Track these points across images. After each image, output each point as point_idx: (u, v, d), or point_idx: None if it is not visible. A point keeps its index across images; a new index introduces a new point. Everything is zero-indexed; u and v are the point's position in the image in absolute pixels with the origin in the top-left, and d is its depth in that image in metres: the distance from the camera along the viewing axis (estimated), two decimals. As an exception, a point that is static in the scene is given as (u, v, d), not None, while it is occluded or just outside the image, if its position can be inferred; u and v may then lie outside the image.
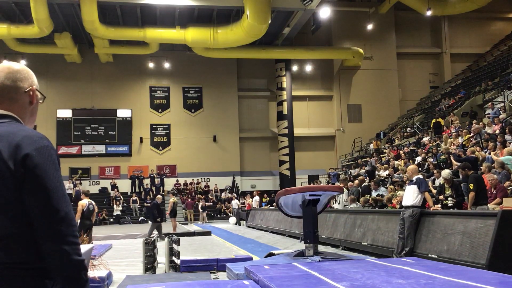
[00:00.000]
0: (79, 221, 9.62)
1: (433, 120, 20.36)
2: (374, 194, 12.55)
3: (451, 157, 12.70)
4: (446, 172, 9.36)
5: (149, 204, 26.19)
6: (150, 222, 24.28)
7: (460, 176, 9.57)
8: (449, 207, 8.73)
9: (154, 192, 27.04)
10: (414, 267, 5.69)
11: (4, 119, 1.59)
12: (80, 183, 26.65)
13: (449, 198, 8.87)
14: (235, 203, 25.03)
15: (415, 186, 8.07)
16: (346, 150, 29.19)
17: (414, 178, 8.21)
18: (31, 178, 1.47)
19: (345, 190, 13.37)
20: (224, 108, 29.28)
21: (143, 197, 26.43)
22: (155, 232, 14.16)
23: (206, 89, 29.36)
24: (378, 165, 18.36)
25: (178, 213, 20.41)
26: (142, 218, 25.13)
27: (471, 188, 8.07)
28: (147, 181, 27.64)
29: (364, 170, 19.49)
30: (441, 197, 9.11)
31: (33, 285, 1.46)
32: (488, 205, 8.19)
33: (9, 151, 1.48)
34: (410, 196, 8.10)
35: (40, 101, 1.75)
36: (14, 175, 1.46)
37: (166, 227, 18.24)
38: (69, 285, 1.45)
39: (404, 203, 8.25)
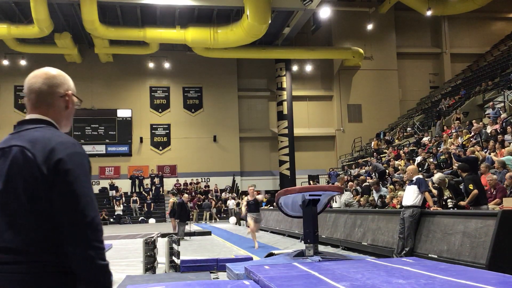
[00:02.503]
0: None
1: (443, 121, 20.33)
2: (375, 194, 12.50)
3: (452, 157, 12.72)
4: (435, 178, 9.32)
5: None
6: (151, 222, 24.47)
7: (460, 177, 9.58)
8: (449, 208, 8.73)
9: (154, 192, 27.05)
10: (414, 267, 5.69)
11: (40, 124, 1.67)
12: None
13: (448, 200, 8.86)
14: (232, 203, 25.04)
15: (415, 186, 8.07)
16: (346, 150, 29.17)
17: (414, 178, 8.21)
18: (62, 183, 1.53)
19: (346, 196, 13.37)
20: (224, 108, 29.27)
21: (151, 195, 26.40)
22: (156, 232, 14.15)
23: (206, 89, 29.35)
24: (386, 165, 17.84)
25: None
26: (142, 218, 25.14)
27: (471, 188, 8.08)
28: (147, 181, 27.65)
29: (364, 170, 19.49)
30: (449, 193, 9.03)
31: (63, 281, 1.53)
32: (488, 205, 8.19)
33: (43, 156, 1.54)
34: (410, 196, 8.10)
35: (77, 106, 1.80)
36: (46, 179, 1.52)
37: (166, 227, 18.25)
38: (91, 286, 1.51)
39: (404, 203, 8.25)
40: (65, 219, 1.51)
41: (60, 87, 1.74)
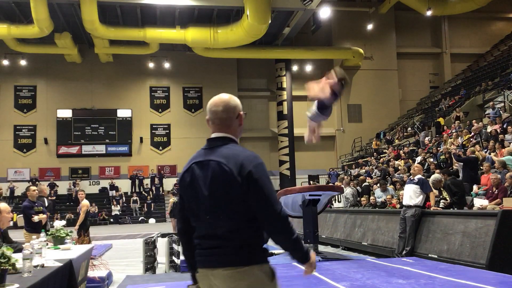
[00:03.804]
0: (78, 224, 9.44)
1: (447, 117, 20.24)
2: (381, 193, 12.46)
3: (453, 157, 12.73)
4: (431, 180, 9.33)
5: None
6: (151, 222, 24.47)
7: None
8: (442, 208, 8.76)
9: (154, 192, 27.05)
10: (414, 267, 5.70)
11: (225, 141, 2.27)
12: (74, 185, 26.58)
13: (442, 201, 8.86)
14: None
15: (417, 186, 8.06)
16: (346, 150, 29.16)
17: (416, 178, 8.21)
18: (254, 189, 2.09)
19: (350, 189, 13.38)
20: (224, 108, 29.26)
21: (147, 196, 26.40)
22: (156, 232, 14.13)
23: (206, 89, 29.33)
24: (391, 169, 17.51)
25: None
26: (142, 218, 25.13)
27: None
28: (147, 181, 27.64)
29: (364, 170, 19.48)
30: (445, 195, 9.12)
31: (253, 255, 2.13)
32: (488, 205, 8.20)
33: (236, 169, 2.10)
34: (412, 195, 8.10)
35: (244, 118, 2.40)
36: (241, 187, 2.08)
37: (166, 227, 18.24)
38: (294, 253, 2.20)
39: (405, 203, 8.24)
40: (261, 214, 2.10)
41: (234, 111, 2.35)
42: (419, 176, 8.29)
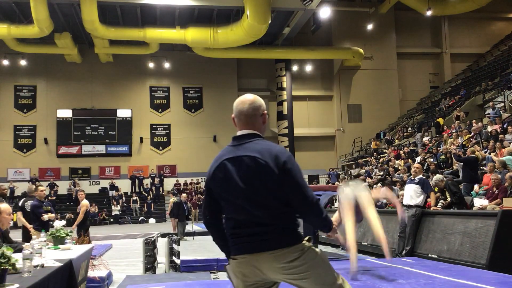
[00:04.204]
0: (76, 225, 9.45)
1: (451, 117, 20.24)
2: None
3: (453, 157, 12.73)
4: (433, 180, 9.33)
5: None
6: (151, 222, 24.47)
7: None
8: (440, 208, 8.77)
9: (154, 192, 27.04)
10: (414, 267, 5.70)
11: (253, 137, 2.41)
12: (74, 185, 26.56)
13: (440, 201, 8.86)
14: None
15: (417, 186, 8.07)
16: (346, 150, 29.17)
17: (417, 178, 8.21)
18: (289, 178, 2.29)
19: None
20: (224, 108, 29.20)
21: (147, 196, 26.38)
22: (156, 232, 14.14)
23: (206, 89, 29.33)
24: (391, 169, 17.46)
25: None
26: (142, 218, 25.13)
27: (436, 190, 8.46)
28: (147, 181, 27.64)
29: (364, 170, 19.49)
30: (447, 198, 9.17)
31: (293, 236, 2.36)
32: (488, 205, 8.20)
33: (271, 161, 2.29)
34: (413, 195, 8.10)
35: (267, 117, 2.57)
36: (278, 176, 2.28)
37: (166, 227, 18.25)
38: (323, 227, 2.47)
39: (405, 202, 8.25)
40: (296, 200, 2.31)
41: (259, 110, 2.47)
42: (419, 176, 8.29)
